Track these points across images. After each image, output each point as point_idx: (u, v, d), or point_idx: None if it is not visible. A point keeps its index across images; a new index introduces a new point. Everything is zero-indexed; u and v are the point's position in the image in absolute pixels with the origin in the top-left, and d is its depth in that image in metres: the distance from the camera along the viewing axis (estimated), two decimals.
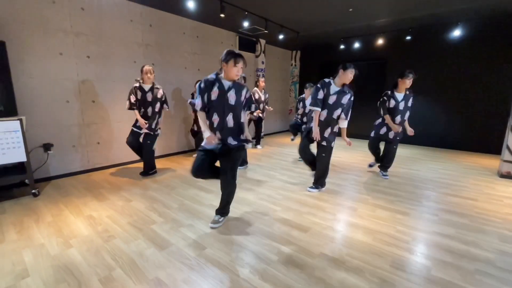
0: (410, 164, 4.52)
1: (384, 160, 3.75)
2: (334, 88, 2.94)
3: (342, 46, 6.45)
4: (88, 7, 3.63)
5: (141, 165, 4.48)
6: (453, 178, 3.77)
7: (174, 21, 4.70)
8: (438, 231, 2.30)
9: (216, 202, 2.84)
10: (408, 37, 5.43)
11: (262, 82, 5.23)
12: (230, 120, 2.16)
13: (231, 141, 2.18)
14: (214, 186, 3.35)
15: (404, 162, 4.62)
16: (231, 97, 2.14)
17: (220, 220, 2.38)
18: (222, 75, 2.17)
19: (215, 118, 2.16)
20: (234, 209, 2.66)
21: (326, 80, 3.00)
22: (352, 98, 2.96)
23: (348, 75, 2.85)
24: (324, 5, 4.25)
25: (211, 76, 2.17)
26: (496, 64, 5.00)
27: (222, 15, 4.00)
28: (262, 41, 6.58)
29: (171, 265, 1.81)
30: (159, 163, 4.48)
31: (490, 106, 5.14)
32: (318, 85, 2.97)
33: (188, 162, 4.53)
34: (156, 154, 4.72)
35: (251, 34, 6.10)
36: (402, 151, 5.35)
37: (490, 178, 3.80)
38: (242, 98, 2.21)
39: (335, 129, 3.02)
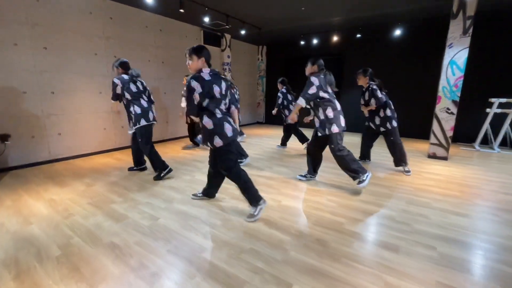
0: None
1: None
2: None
3: (302, 42, 6.88)
4: None
5: (106, 154, 4.58)
6: (391, 160, 4.33)
7: (135, 14, 4.79)
8: (362, 199, 2.77)
9: (176, 184, 3.12)
10: (359, 35, 5.97)
11: None
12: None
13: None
14: (175, 173, 3.60)
15: (355, 148, 5.15)
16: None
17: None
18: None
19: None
20: (193, 190, 2.95)
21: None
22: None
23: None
24: (278, 3, 4.60)
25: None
26: (428, 61, 5.68)
27: (181, 10, 4.19)
28: (228, 36, 6.81)
29: (126, 232, 2.07)
30: (124, 154, 4.61)
31: (425, 97, 5.84)
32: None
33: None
34: (121, 145, 4.86)
35: (215, 29, 6.31)
36: (356, 139, 5.91)
37: (420, 159, 4.42)
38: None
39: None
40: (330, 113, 2.80)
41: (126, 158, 4.29)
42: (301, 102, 2.79)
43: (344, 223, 2.24)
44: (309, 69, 2.94)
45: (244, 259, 1.75)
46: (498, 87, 5.19)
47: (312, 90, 2.76)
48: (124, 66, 3.25)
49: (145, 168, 3.66)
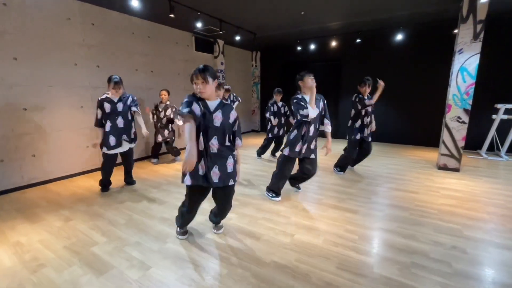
0: (364, 160, 4.77)
1: (361, 158, 4.04)
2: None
3: (299, 48, 6.60)
4: (10, 2, 3.20)
5: (90, 175, 4.15)
6: (400, 173, 4.06)
7: (120, 20, 4.37)
8: (382, 226, 2.44)
9: (168, 214, 2.71)
10: (358, 40, 5.73)
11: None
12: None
13: None
14: (167, 197, 3.19)
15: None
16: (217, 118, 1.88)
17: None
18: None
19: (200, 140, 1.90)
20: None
21: (299, 96, 2.77)
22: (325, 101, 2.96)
23: (309, 82, 2.70)
24: (277, 8, 4.29)
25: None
26: (434, 66, 5.49)
27: (172, 15, 3.81)
28: (220, 42, 6.46)
29: None
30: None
31: (430, 103, 5.64)
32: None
33: (141, 171, 4.26)
34: (99, 165, 4.40)
35: (208, 35, 5.95)
36: None
37: (430, 171, 4.16)
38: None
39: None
40: None
41: (113, 179, 3.82)
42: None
43: (373, 265, 1.89)
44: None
45: None
46: (504, 93, 5.02)
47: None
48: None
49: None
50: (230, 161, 1.95)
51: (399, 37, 5.22)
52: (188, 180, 1.92)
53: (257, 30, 5.68)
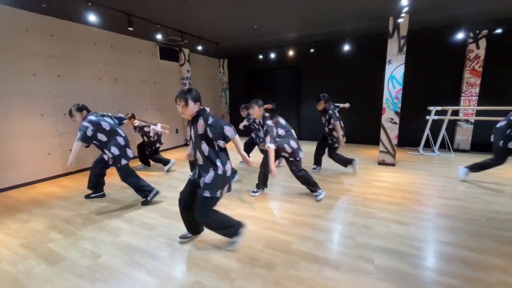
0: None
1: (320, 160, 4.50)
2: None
3: (260, 56, 7.06)
4: None
5: (51, 182, 4.24)
6: (345, 169, 4.57)
7: (81, 31, 4.54)
8: (312, 213, 2.86)
9: (127, 214, 2.95)
10: (312, 50, 6.28)
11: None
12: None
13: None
14: (127, 198, 3.42)
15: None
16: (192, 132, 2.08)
17: (188, 236, 2.36)
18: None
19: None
20: (143, 217, 2.82)
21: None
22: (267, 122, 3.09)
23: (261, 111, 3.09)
24: (231, 22, 4.68)
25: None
26: (374, 73, 6.16)
27: (130, 28, 4.07)
28: (186, 50, 6.75)
29: (59, 277, 1.90)
30: (73, 180, 4.29)
31: (372, 106, 6.29)
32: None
33: None
34: (69, 170, 4.50)
35: (172, 44, 6.22)
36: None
37: (371, 166, 4.73)
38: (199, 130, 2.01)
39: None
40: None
41: (75, 185, 3.98)
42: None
43: (293, 242, 2.29)
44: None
45: None
46: (436, 97, 5.78)
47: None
48: (86, 108, 3.15)
49: (103, 195, 3.47)
50: (210, 174, 2.02)
51: (346, 47, 5.82)
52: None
53: (219, 40, 6.05)
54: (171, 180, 4.17)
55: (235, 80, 8.52)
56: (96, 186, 3.40)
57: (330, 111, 3.95)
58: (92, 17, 3.62)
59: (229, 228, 2.17)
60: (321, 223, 2.63)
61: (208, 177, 2.01)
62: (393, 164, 4.70)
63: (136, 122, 4.52)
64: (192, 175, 2.20)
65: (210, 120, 1.96)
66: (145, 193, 3.14)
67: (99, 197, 3.44)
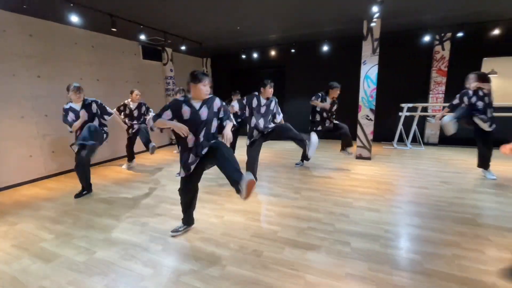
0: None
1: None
2: (262, 101, 3.60)
3: (245, 56, 7.21)
4: None
5: (34, 184, 4.19)
6: (325, 163, 4.86)
7: (62, 31, 4.47)
8: (295, 205, 3.09)
9: (116, 212, 3.03)
10: (293, 50, 6.52)
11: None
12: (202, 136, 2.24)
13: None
14: (116, 198, 3.48)
15: (297, 154, 5.61)
16: (203, 113, 2.23)
17: (180, 229, 2.51)
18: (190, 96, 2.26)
19: (190, 138, 2.22)
20: (133, 215, 2.92)
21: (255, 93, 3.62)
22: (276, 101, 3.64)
23: (268, 91, 3.53)
24: (214, 23, 4.79)
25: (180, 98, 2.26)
26: (353, 73, 6.50)
27: (114, 29, 4.08)
28: (169, 50, 6.76)
29: (58, 273, 1.98)
30: (58, 181, 4.26)
31: (351, 104, 6.64)
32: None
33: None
34: (52, 172, 4.45)
35: (155, 44, 6.22)
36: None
37: (350, 160, 5.05)
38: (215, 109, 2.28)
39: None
40: None
41: (60, 186, 3.96)
42: None
43: (278, 231, 2.50)
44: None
45: (183, 281, 1.85)
46: (407, 95, 6.21)
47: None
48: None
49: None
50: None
51: (325, 48, 6.11)
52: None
53: (202, 40, 6.13)
54: (159, 178, 4.24)
55: (219, 79, 8.61)
56: (89, 184, 3.58)
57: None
58: (74, 18, 3.61)
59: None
60: (303, 213, 2.86)
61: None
62: (369, 158, 5.05)
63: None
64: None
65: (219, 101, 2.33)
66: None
67: (87, 194, 3.57)
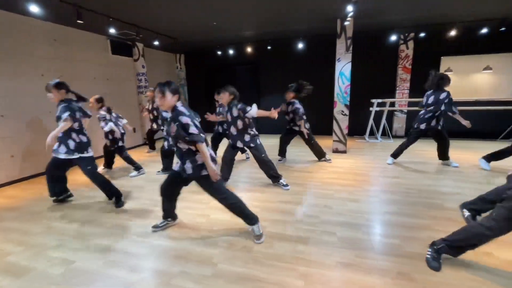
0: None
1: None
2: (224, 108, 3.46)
3: (220, 52, 7.10)
4: None
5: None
6: (304, 158, 4.99)
7: (19, 22, 4.03)
8: (281, 200, 3.13)
9: (93, 217, 2.83)
10: (269, 47, 6.57)
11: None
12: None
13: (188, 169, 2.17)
14: (91, 202, 3.26)
15: (274, 149, 5.67)
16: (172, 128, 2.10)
17: (160, 225, 2.52)
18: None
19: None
20: (112, 220, 2.75)
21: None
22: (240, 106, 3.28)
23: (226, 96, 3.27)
24: (189, 17, 4.65)
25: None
26: (327, 70, 6.74)
27: (80, 21, 3.78)
28: (140, 45, 6.43)
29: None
30: (20, 189, 3.87)
31: (326, 100, 6.89)
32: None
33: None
34: (14, 178, 4.04)
35: (125, 38, 5.87)
36: (275, 141, 6.49)
37: (328, 154, 5.23)
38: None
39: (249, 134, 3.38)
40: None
41: (22, 194, 3.60)
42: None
43: (266, 226, 2.52)
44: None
45: (175, 284, 1.79)
46: (377, 91, 6.57)
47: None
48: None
49: (70, 195, 3.35)
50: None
51: (301, 45, 6.24)
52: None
53: (177, 35, 5.92)
54: (136, 179, 4.05)
55: (194, 76, 8.40)
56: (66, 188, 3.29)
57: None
58: (33, 8, 3.28)
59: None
60: (289, 207, 2.92)
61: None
62: (345, 152, 5.28)
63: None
64: (178, 167, 2.26)
65: (183, 120, 2.04)
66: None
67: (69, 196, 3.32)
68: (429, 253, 1.91)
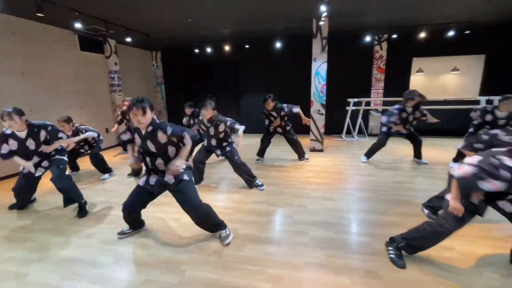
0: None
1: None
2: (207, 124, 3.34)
3: (196, 50, 6.94)
4: None
5: None
6: (283, 157, 4.99)
7: None
8: (256, 200, 3.10)
9: (53, 225, 2.64)
10: (247, 46, 6.51)
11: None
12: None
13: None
14: (52, 209, 3.05)
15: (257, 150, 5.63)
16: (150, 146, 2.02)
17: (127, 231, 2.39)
18: None
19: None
20: (76, 227, 2.58)
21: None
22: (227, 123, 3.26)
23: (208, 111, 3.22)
24: (163, 13, 4.48)
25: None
26: (304, 69, 6.80)
27: (40, 14, 3.52)
28: (112, 41, 6.13)
29: None
30: None
31: (305, 99, 6.95)
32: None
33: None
34: None
35: (95, 34, 5.57)
36: (256, 139, 6.45)
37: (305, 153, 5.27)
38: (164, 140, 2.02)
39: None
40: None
41: None
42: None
43: (239, 228, 2.47)
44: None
45: None
46: (353, 90, 6.72)
47: None
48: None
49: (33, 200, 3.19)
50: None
51: (279, 45, 6.24)
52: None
53: (151, 32, 5.70)
54: (105, 183, 3.85)
55: (171, 74, 8.16)
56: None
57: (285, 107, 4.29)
58: None
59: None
60: (263, 208, 2.88)
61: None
62: (322, 150, 5.35)
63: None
64: (143, 182, 2.17)
65: (169, 130, 1.97)
66: None
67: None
68: (391, 252, 1.95)
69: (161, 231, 2.48)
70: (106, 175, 4.05)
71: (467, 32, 5.59)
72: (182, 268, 1.93)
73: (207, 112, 3.23)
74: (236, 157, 3.36)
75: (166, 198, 3.12)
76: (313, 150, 5.38)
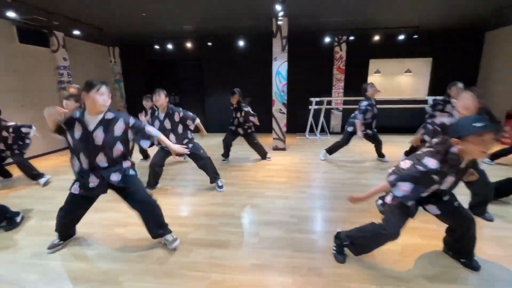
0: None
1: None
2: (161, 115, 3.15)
3: (157, 46, 6.64)
4: None
5: None
6: (244, 157, 4.96)
7: None
8: (214, 202, 3.02)
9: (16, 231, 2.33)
10: (210, 43, 6.37)
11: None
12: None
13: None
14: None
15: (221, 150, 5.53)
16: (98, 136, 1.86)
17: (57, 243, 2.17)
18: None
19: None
20: (2, 241, 2.30)
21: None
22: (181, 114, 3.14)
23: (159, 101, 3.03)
24: (115, 6, 4.19)
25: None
26: (267, 68, 6.83)
27: None
28: (59, 34, 5.61)
29: None
30: None
31: (267, 98, 7.00)
32: None
33: None
34: None
35: (37, 25, 5.05)
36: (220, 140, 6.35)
37: (268, 152, 5.29)
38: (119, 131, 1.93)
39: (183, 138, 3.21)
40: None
41: None
42: None
43: (189, 232, 2.38)
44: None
45: None
46: (315, 90, 6.89)
47: None
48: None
49: None
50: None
51: (241, 43, 6.19)
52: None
53: (104, 26, 5.32)
54: (45, 189, 3.51)
55: (132, 70, 7.72)
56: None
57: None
58: None
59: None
60: (217, 210, 2.82)
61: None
62: (284, 149, 5.42)
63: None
64: (77, 189, 2.00)
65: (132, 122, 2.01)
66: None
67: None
68: (334, 247, 2.00)
69: (103, 239, 2.30)
70: (43, 180, 3.67)
71: (415, 36, 6.00)
72: (120, 280, 1.80)
73: (160, 98, 2.99)
74: (202, 151, 3.26)
75: (110, 204, 2.94)
76: (275, 148, 5.42)
